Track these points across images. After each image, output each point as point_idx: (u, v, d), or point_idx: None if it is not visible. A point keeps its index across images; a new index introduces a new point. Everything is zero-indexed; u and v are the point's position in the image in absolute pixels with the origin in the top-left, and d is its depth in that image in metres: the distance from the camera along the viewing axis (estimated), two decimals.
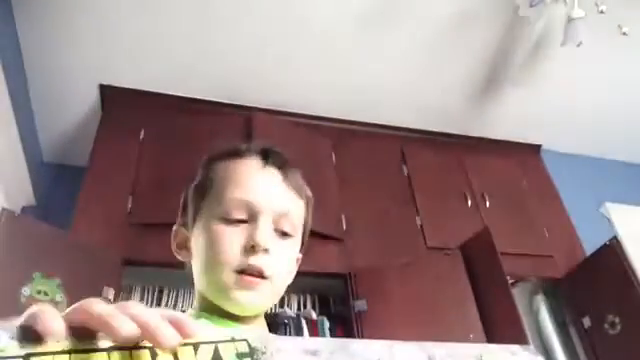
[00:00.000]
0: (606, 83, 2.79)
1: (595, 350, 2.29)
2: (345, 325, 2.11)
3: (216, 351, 0.34)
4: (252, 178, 0.67)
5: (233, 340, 0.35)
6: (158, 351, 0.32)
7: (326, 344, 0.39)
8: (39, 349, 0.30)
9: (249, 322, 0.65)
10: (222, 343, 0.35)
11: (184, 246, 0.71)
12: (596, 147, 3.23)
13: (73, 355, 0.30)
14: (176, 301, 2.10)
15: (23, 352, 0.29)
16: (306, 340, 0.39)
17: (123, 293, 2.01)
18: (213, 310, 0.64)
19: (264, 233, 0.63)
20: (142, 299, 2.07)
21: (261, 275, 0.62)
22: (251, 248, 0.62)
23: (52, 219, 2.04)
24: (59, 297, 1.69)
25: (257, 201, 0.65)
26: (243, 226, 0.64)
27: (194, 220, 0.69)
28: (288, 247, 0.67)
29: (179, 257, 0.71)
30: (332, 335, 2.07)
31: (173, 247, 0.72)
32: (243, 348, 0.35)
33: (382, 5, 2.29)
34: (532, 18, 2.24)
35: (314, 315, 2.13)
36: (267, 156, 0.69)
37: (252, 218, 0.64)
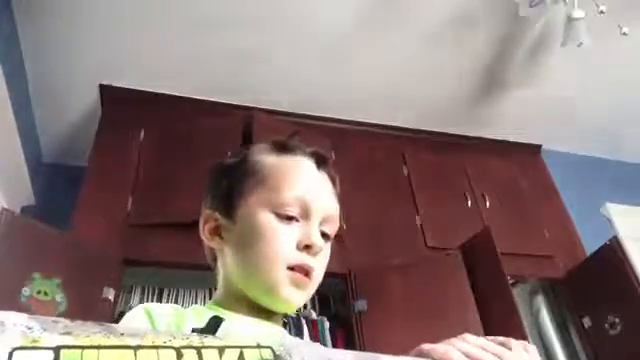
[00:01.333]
0: (606, 83, 2.79)
1: (595, 350, 2.29)
2: (345, 325, 2.11)
3: (241, 355, 0.35)
4: (309, 179, 0.69)
5: (258, 346, 0.36)
6: (183, 351, 0.32)
7: (354, 357, 0.39)
8: (69, 342, 0.30)
9: (276, 320, 0.67)
10: (247, 349, 0.35)
11: (216, 233, 0.69)
12: (596, 147, 3.23)
13: (102, 350, 0.31)
14: (176, 301, 2.10)
15: (55, 344, 0.30)
16: (332, 351, 0.39)
17: (123, 293, 2.01)
18: (240, 305, 0.65)
19: (318, 234, 0.66)
20: (142, 299, 2.07)
21: (308, 275, 0.64)
22: (305, 247, 0.64)
23: (52, 219, 2.03)
24: (59, 297, 1.69)
25: (313, 202, 0.66)
26: (295, 224, 0.65)
27: (238, 208, 0.68)
28: (327, 250, 0.70)
29: (209, 244, 0.70)
30: (332, 335, 2.07)
31: (204, 233, 0.70)
32: (267, 355, 0.36)
33: (382, 5, 2.29)
34: (532, 18, 2.24)
35: (314, 315, 2.13)
36: (320, 161, 0.72)
37: (304, 217, 0.66)
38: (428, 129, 2.91)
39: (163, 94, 2.54)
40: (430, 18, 2.38)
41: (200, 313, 0.62)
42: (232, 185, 0.70)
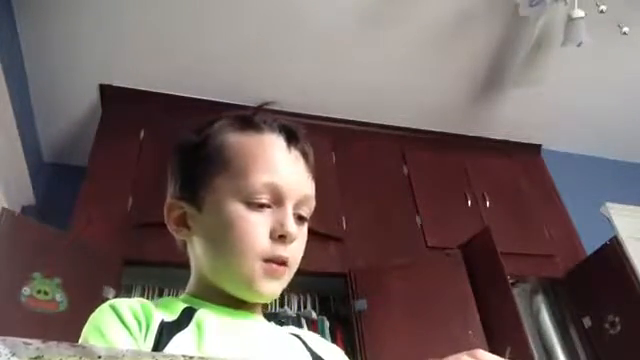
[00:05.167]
0: (606, 83, 2.79)
1: (595, 350, 2.29)
2: (345, 325, 2.11)
3: None
4: (280, 161, 0.63)
5: None
6: None
7: None
8: None
9: (252, 307, 0.64)
10: None
11: (182, 223, 0.65)
12: (596, 147, 3.23)
13: None
14: None
15: None
16: None
17: (123, 293, 2.01)
18: (213, 295, 0.62)
19: (293, 222, 0.61)
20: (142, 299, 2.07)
21: (284, 263, 0.61)
22: (280, 237, 0.60)
23: (52, 219, 2.03)
24: (59, 297, 1.69)
25: (284, 187, 0.61)
26: (267, 211, 0.61)
27: (203, 196, 0.63)
28: (304, 232, 0.65)
29: (175, 235, 0.66)
30: (332, 334, 2.07)
31: (169, 224, 0.66)
32: None
33: (382, 5, 2.29)
34: (532, 18, 2.24)
35: (314, 315, 2.13)
36: (291, 136, 0.65)
37: (277, 203, 0.61)
38: (428, 129, 2.91)
39: (163, 94, 2.54)
40: (430, 18, 2.37)
41: (172, 305, 0.60)
42: (195, 170, 0.64)
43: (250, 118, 0.66)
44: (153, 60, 2.42)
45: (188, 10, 2.23)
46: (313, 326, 2.07)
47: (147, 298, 2.07)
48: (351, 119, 2.79)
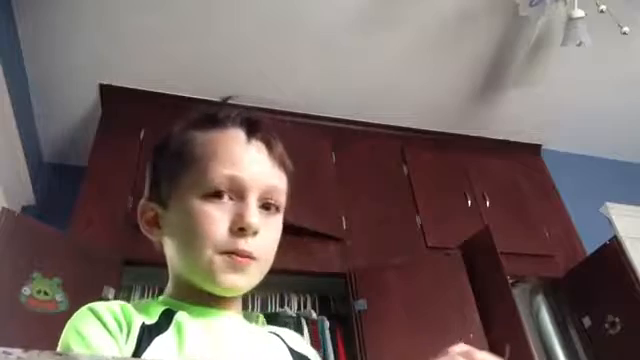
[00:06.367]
0: (606, 83, 2.79)
1: (595, 350, 2.29)
2: (345, 325, 2.10)
3: None
4: (238, 153, 0.63)
5: None
6: None
7: None
8: None
9: (229, 304, 0.64)
10: None
11: (155, 223, 0.66)
12: (596, 147, 3.23)
13: None
14: None
15: None
16: None
17: (123, 293, 2.01)
18: (191, 294, 0.62)
19: (254, 214, 0.60)
20: (142, 299, 2.07)
21: (250, 256, 0.60)
22: (239, 230, 0.59)
23: (52, 219, 2.03)
24: (59, 297, 1.69)
25: (244, 178, 0.61)
26: (229, 204, 0.60)
27: (169, 195, 0.64)
28: (274, 225, 0.64)
29: (149, 236, 0.67)
30: (332, 335, 2.07)
31: (141, 225, 0.67)
32: None
33: (382, 5, 2.29)
34: (532, 18, 2.24)
35: (314, 315, 2.13)
36: (251, 128, 0.65)
37: (238, 196, 0.61)
38: (428, 129, 2.91)
39: (163, 94, 2.53)
40: (430, 18, 2.37)
41: (150, 308, 0.60)
42: (161, 171, 0.66)
43: (212, 115, 0.67)
44: (153, 60, 2.42)
45: (188, 10, 2.23)
46: (313, 326, 2.07)
47: (147, 298, 2.08)
48: (351, 119, 2.79)
